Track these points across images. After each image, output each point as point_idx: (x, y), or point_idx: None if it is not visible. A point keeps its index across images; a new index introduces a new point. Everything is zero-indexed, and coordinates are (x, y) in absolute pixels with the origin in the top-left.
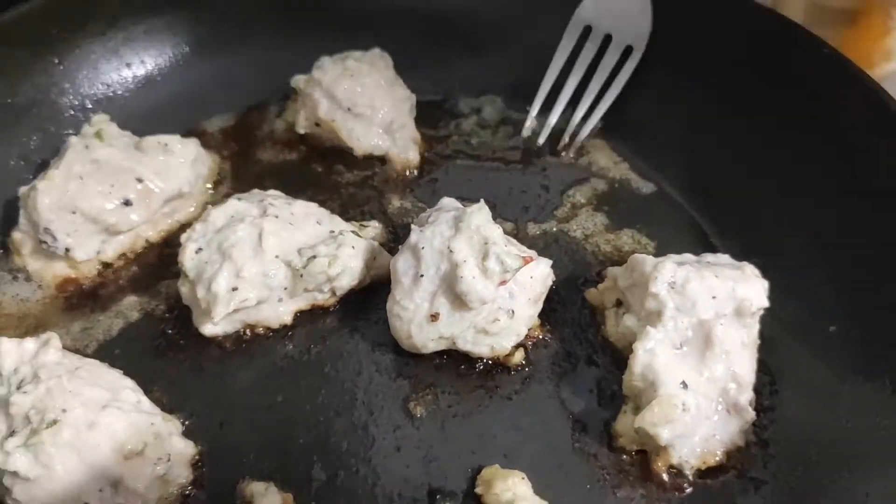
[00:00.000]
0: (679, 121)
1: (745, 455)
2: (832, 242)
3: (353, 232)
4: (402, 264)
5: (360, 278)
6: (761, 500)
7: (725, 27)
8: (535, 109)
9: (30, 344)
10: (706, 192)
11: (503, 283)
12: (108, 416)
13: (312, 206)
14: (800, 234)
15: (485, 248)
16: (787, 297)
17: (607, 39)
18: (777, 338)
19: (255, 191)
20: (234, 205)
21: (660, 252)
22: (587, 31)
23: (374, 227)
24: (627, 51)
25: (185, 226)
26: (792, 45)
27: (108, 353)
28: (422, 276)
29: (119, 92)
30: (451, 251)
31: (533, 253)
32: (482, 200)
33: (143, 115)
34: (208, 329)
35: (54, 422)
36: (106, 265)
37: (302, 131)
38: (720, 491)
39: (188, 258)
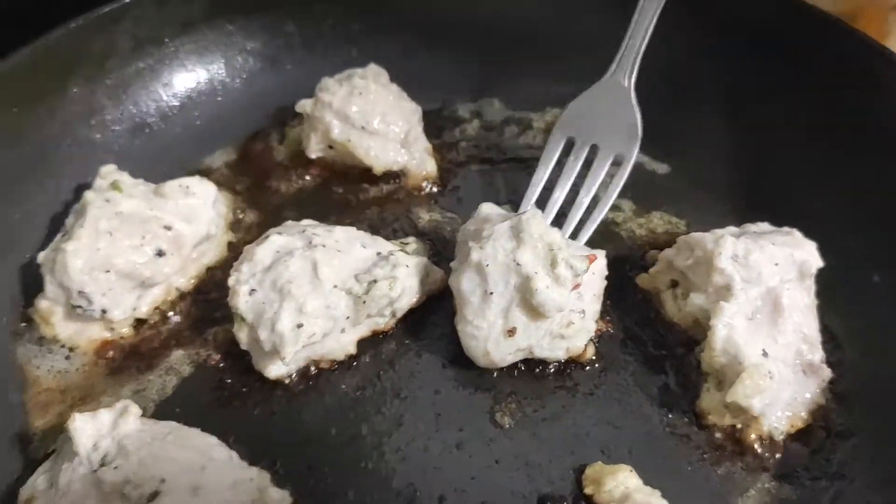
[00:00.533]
0: (686, 99)
1: (827, 412)
2: (856, 197)
3: (401, 251)
4: (467, 284)
5: (417, 296)
6: (851, 452)
7: (729, 7)
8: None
9: (105, 416)
10: (720, 167)
11: (576, 286)
12: (210, 477)
13: (352, 230)
14: (822, 194)
15: (552, 255)
16: (825, 256)
17: (594, 147)
18: (825, 296)
19: (290, 222)
20: (276, 240)
21: (694, 229)
22: (572, 140)
23: (415, 243)
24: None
25: (212, 269)
26: (797, 21)
27: (169, 412)
28: (491, 293)
29: (118, 141)
30: (518, 264)
31: (588, 248)
32: (533, 205)
33: (144, 161)
34: (273, 371)
35: (155, 494)
36: (141, 321)
37: (314, 156)
38: (812, 450)
39: (242, 301)
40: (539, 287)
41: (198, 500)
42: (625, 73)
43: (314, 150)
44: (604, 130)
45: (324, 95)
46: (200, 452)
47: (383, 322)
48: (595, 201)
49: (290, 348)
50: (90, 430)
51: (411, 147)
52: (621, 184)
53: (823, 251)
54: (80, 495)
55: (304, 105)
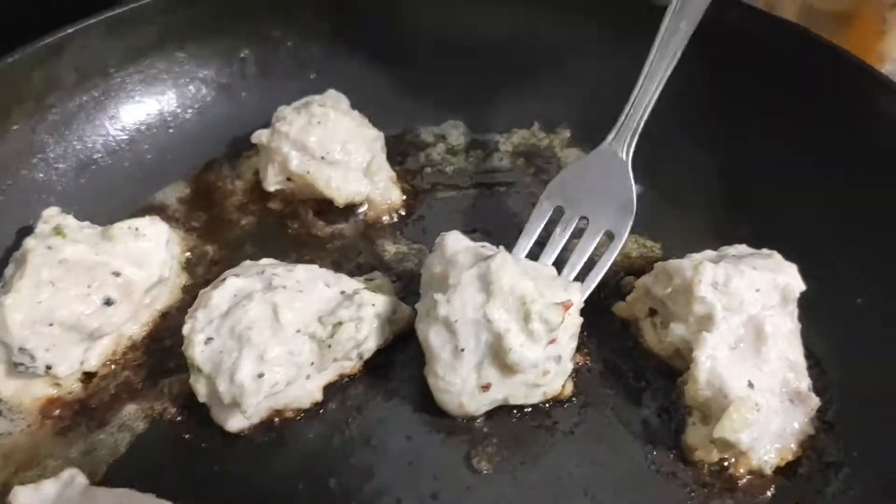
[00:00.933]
0: (655, 119)
1: (817, 442)
2: (838, 218)
3: (366, 289)
4: (435, 339)
5: (385, 337)
6: (845, 482)
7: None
8: None
9: (50, 487)
10: (696, 186)
11: (552, 341)
12: None
13: (314, 269)
14: (803, 214)
15: (524, 308)
16: (807, 278)
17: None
18: (808, 318)
19: (247, 263)
20: (233, 283)
21: (670, 252)
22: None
23: (381, 279)
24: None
25: (166, 314)
26: (774, 37)
27: (123, 475)
28: (462, 349)
29: (62, 180)
30: (489, 321)
31: (563, 282)
32: (502, 248)
33: (91, 200)
34: (234, 424)
35: None
36: (90, 375)
37: (272, 188)
38: (804, 483)
39: (198, 351)
40: (513, 346)
41: None
42: (622, 145)
43: (272, 183)
44: (596, 203)
45: (281, 126)
46: None
47: (350, 365)
48: (580, 275)
49: (251, 400)
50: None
51: (374, 176)
52: (610, 261)
53: (805, 273)
54: None
55: (259, 136)
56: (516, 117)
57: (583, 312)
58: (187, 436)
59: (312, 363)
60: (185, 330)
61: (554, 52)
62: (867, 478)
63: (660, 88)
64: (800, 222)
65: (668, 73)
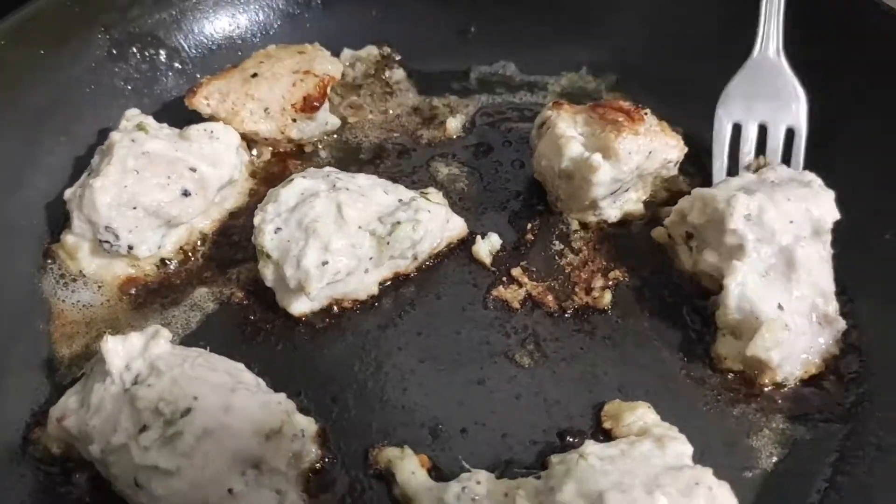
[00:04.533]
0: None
1: (840, 361)
2: (873, 157)
3: (423, 198)
4: None
5: (438, 241)
6: (863, 396)
7: None
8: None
9: (136, 338)
10: None
11: None
12: (240, 398)
13: (374, 178)
14: (840, 152)
15: None
16: (841, 209)
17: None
18: (839, 249)
19: (312, 169)
20: (301, 183)
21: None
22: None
23: (436, 193)
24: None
25: (234, 213)
26: None
27: (194, 345)
28: None
29: (139, 87)
30: None
31: None
32: None
33: (162, 108)
34: (297, 307)
35: (188, 410)
36: (164, 261)
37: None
38: (824, 395)
39: (268, 240)
40: None
41: (228, 418)
42: (770, 45)
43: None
44: (768, 107)
45: None
46: (230, 375)
47: (405, 264)
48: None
49: (315, 284)
50: (122, 351)
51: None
52: (802, 156)
53: (840, 209)
54: (112, 412)
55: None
56: (566, 61)
57: (630, 233)
58: (252, 317)
59: (371, 258)
60: (256, 220)
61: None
62: (885, 393)
63: None
64: (838, 154)
65: None
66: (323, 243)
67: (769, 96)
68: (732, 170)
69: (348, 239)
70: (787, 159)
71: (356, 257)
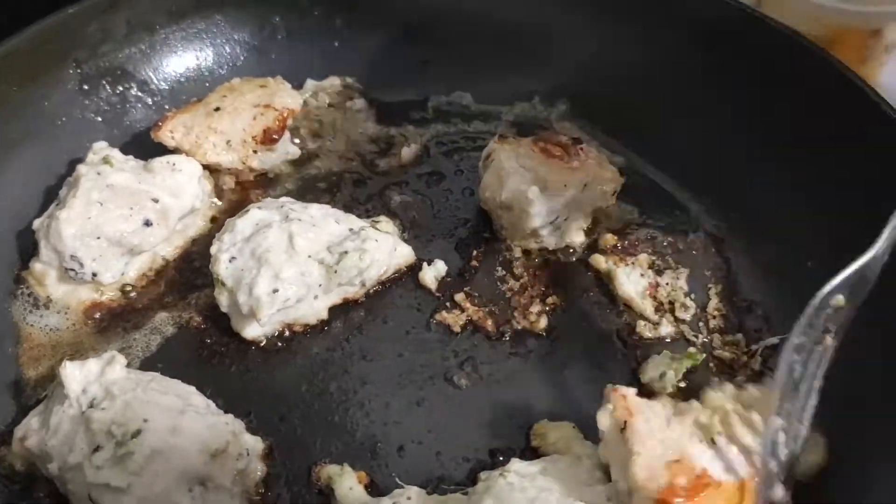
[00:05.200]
0: (645, 95)
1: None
2: (802, 190)
3: (372, 227)
4: None
5: (385, 269)
6: None
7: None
8: None
9: (93, 364)
10: (674, 160)
11: None
12: (188, 420)
13: (327, 208)
14: (770, 187)
15: None
16: (766, 241)
17: None
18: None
19: (269, 199)
20: (256, 213)
21: (647, 217)
22: None
23: (386, 222)
24: None
25: (196, 241)
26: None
27: (152, 368)
28: None
29: (109, 120)
30: None
31: None
32: None
33: (133, 140)
34: (250, 332)
35: (139, 432)
36: (128, 286)
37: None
38: None
39: (223, 268)
40: None
41: (177, 439)
42: None
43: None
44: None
45: None
46: (180, 398)
47: (353, 291)
48: None
49: (265, 311)
50: (80, 376)
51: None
52: None
53: (766, 238)
54: (69, 433)
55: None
56: (518, 91)
57: (560, 260)
58: (209, 340)
59: (320, 285)
60: (213, 249)
61: (554, 34)
62: None
63: None
64: (763, 196)
65: None
66: (274, 272)
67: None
68: None
69: (298, 268)
70: None
71: (305, 285)
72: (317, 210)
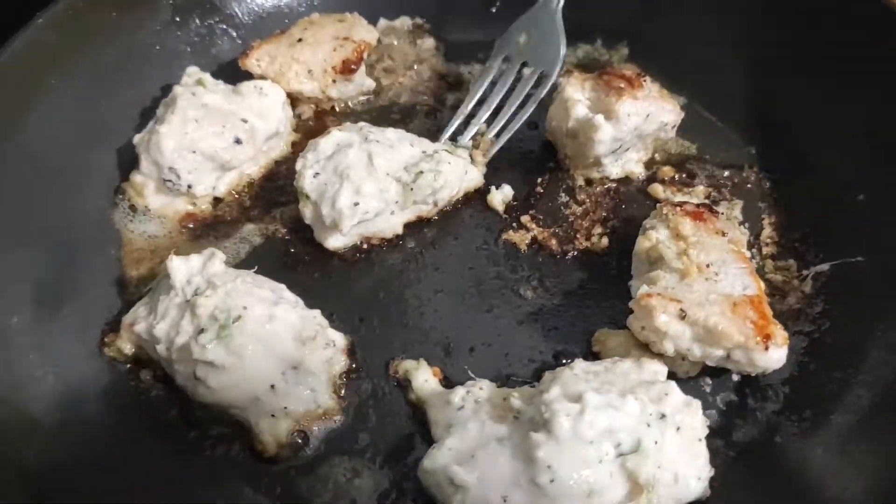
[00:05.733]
0: (701, 38)
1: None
2: (853, 128)
3: (445, 150)
4: None
5: (456, 189)
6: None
7: None
8: (452, 126)
9: (196, 259)
10: (730, 101)
11: None
12: (282, 310)
13: (402, 132)
14: (822, 127)
15: None
16: (819, 177)
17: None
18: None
19: (348, 123)
20: (337, 135)
21: (702, 153)
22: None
23: (457, 147)
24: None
25: (279, 162)
26: None
27: None
28: None
29: (199, 48)
30: None
31: None
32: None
33: (221, 67)
34: (332, 242)
35: (239, 317)
36: (218, 200)
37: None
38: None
39: (307, 182)
40: None
41: (272, 325)
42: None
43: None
44: (533, 50)
45: None
46: (273, 292)
47: (427, 209)
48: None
49: (347, 222)
50: (184, 268)
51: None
52: (542, 94)
53: (819, 172)
54: (175, 318)
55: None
56: (582, 34)
57: (620, 189)
58: (293, 250)
59: (397, 202)
60: (298, 166)
61: None
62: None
63: None
64: (814, 135)
65: None
66: (355, 187)
67: (538, 42)
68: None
69: (377, 184)
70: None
71: (383, 200)
72: (393, 133)
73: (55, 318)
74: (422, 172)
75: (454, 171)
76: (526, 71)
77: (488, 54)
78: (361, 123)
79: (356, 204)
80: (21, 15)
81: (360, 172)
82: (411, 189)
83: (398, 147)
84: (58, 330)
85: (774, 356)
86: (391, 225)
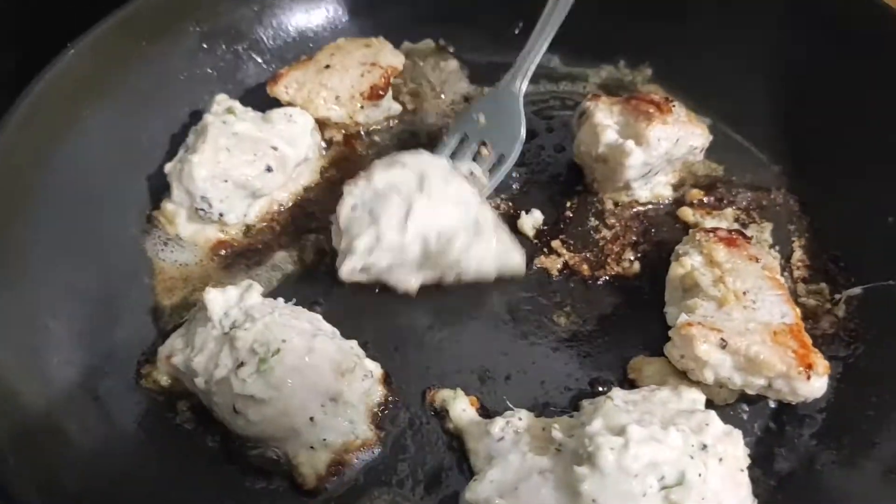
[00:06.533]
0: (725, 61)
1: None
2: (882, 150)
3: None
4: None
5: (486, 275)
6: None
7: None
8: None
9: (233, 291)
10: (756, 122)
11: None
12: (320, 342)
13: (467, 187)
14: (851, 149)
15: None
16: (848, 199)
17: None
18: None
19: (424, 153)
20: (399, 172)
21: (729, 174)
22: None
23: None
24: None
25: (307, 189)
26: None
27: None
28: None
29: (226, 74)
30: None
31: None
32: None
33: (248, 92)
34: (342, 273)
35: (278, 350)
36: (249, 227)
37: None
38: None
39: (345, 210)
40: None
41: (311, 358)
42: (517, 82)
43: None
44: (492, 132)
45: None
46: (311, 323)
47: (448, 278)
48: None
49: (349, 264)
50: (221, 300)
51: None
52: (501, 177)
53: (846, 196)
54: (214, 351)
55: None
56: (605, 55)
57: (649, 212)
58: (326, 277)
59: (417, 263)
60: (345, 189)
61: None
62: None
63: (550, 37)
64: (838, 155)
65: (555, 29)
66: (377, 234)
67: (498, 125)
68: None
69: (401, 240)
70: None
71: (400, 258)
72: (455, 189)
73: (93, 348)
74: (451, 242)
75: (489, 254)
76: (484, 150)
77: None
78: (429, 161)
79: (371, 251)
80: (53, 43)
81: (390, 222)
82: (433, 259)
83: (449, 206)
84: (96, 360)
85: (816, 385)
86: (405, 280)
